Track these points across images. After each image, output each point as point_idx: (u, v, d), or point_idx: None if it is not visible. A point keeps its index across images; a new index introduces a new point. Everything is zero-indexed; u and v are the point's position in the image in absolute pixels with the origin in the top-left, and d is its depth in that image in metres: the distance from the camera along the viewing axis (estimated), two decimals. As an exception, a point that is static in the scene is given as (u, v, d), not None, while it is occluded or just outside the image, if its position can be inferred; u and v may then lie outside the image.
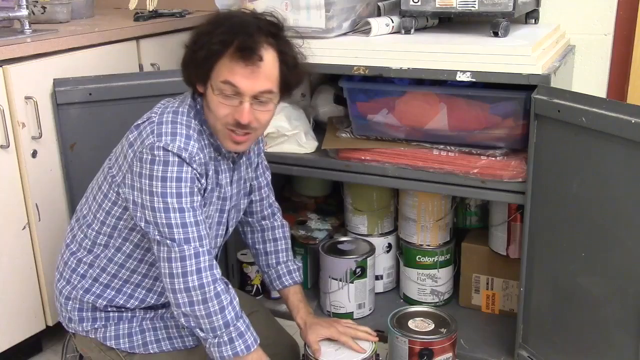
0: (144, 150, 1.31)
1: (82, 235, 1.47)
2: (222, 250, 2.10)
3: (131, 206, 1.35)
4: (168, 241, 1.31)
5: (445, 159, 1.81)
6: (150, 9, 2.41)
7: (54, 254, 1.53)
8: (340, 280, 2.02)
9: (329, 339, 1.56)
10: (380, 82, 1.82)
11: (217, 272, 1.35)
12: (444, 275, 2.09)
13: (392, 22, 1.89)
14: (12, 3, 2.06)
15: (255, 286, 2.22)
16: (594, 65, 2.04)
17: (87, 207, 1.47)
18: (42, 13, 2.24)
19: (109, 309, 1.47)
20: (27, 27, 2.02)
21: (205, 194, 1.40)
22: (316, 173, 1.98)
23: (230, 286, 1.38)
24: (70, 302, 1.47)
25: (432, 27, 2.00)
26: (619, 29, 1.98)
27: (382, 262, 2.16)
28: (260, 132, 1.42)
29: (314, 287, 2.22)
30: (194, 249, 1.31)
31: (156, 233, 1.32)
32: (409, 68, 1.73)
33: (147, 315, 1.49)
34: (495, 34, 1.75)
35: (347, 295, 2.04)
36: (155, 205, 1.30)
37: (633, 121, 1.36)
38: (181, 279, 1.31)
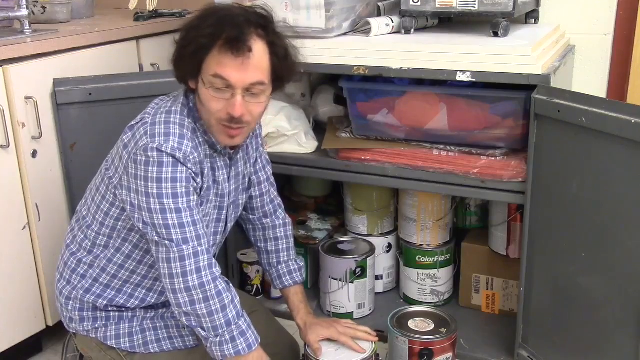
0: (138, 151, 1.31)
1: (82, 236, 1.47)
2: (222, 249, 2.11)
3: (129, 208, 1.35)
4: (166, 242, 1.31)
5: (445, 159, 1.81)
6: (150, 9, 2.41)
7: (54, 254, 1.53)
8: (340, 280, 2.02)
9: (329, 339, 1.56)
10: (380, 82, 1.82)
11: (217, 270, 1.35)
12: (444, 275, 2.09)
13: (392, 22, 1.89)
14: (12, 3, 2.06)
15: (255, 286, 2.22)
16: (594, 65, 2.04)
17: (87, 208, 1.48)
18: (42, 13, 2.24)
19: (110, 309, 1.47)
20: (27, 27, 2.02)
21: (202, 193, 1.40)
22: (316, 173, 1.98)
23: (231, 285, 1.38)
24: (71, 302, 1.47)
25: (432, 27, 2.00)
26: (619, 29, 1.98)
27: (382, 262, 2.16)
28: (253, 125, 1.41)
29: (314, 287, 2.22)
30: (192, 249, 1.31)
31: (154, 234, 1.32)
32: (409, 68, 1.73)
33: (148, 315, 1.49)
34: (495, 34, 1.75)
35: (347, 295, 2.04)
36: (152, 206, 1.30)
37: (633, 121, 1.36)
38: (181, 279, 1.31)
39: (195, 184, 1.35)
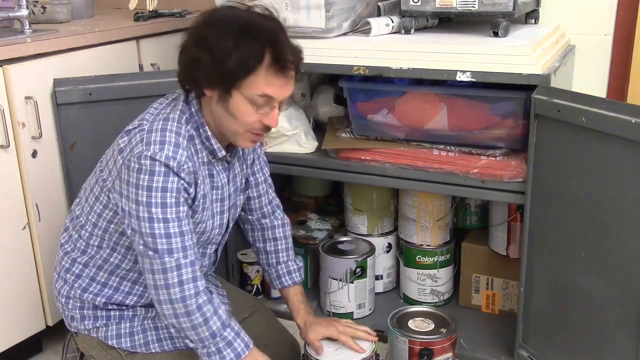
0: (132, 158, 1.30)
1: (76, 236, 1.47)
2: (222, 250, 2.10)
3: (120, 212, 1.36)
4: (150, 252, 1.31)
5: (445, 159, 1.81)
6: (150, 9, 2.41)
7: (54, 254, 1.53)
8: (340, 280, 2.02)
9: (329, 339, 1.56)
10: (380, 82, 1.82)
11: (201, 283, 1.34)
12: (444, 275, 2.09)
13: (392, 22, 1.89)
14: (12, 3, 2.06)
15: (255, 286, 2.22)
16: (594, 65, 2.04)
17: (80, 208, 1.47)
18: (42, 13, 2.24)
19: (110, 307, 1.47)
20: (27, 27, 2.02)
21: (196, 202, 1.39)
22: (316, 173, 1.98)
23: (214, 295, 1.37)
24: (71, 300, 1.47)
25: (432, 27, 2.00)
26: (619, 29, 1.98)
27: (382, 262, 2.16)
28: None
29: (314, 287, 2.22)
30: (176, 261, 1.31)
31: (141, 242, 1.31)
32: (409, 68, 1.73)
33: (149, 315, 1.49)
34: (495, 34, 1.75)
35: (347, 295, 2.04)
36: (140, 214, 1.30)
37: (633, 121, 1.36)
38: (164, 291, 1.31)
39: (187, 195, 1.34)
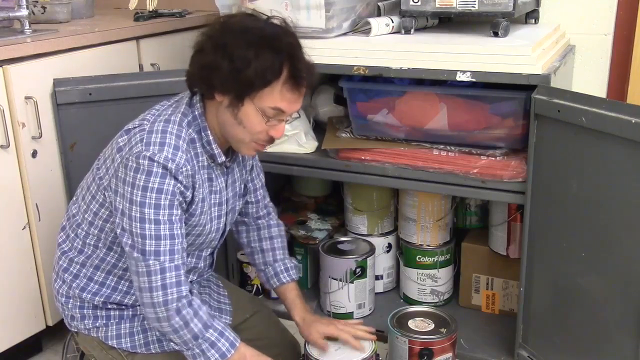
0: (130, 157, 1.30)
1: (72, 235, 1.47)
2: (222, 250, 2.11)
3: (113, 211, 1.36)
4: (136, 254, 1.31)
5: (445, 159, 1.81)
6: (150, 9, 2.41)
7: (54, 254, 1.53)
8: (340, 280, 2.02)
9: (329, 338, 1.56)
10: (380, 82, 1.82)
11: (185, 288, 1.33)
12: (444, 275, 2.09)
13: (392, 22, 1.89)
14: (12, 3, 2.06)
15: (255, 286, 2.22)
16: (594, 65, 2.04)
17: (77, 206, 1.47)
18: (42, 13, 2.24)
19: (109, 307, 1.47)
20: (27, 27, 2.02)
21: (194, 206, 1.38)
22: (316, 173, 1.98)
23: (194, 297, 1.35)
24: (71, 300, 1.47)
25: (432, 27, 2.00)
26: (619, 29, 1.98)
27: (382, 262, 2.16)
28: None
29: (314, 287, 2.22)
30: (161, 264, 1.30)
31: (129, 242, 1.31)
32: (409, 68, 1.73)
33: (149, 315, 1.49)
34: (495, 34, 1.75)
35: (347, 295, 2.04)
36: (133, 213, 1.30)
37: (633, 121, 1.36)
38: (147, 294, 1.31)
39: (182, 198, 1.34)
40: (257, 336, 1.61)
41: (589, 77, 2.04)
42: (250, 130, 1.34)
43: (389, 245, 2.17)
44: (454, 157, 1.80)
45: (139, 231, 1.30)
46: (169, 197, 1.30)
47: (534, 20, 2.02)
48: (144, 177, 1.29)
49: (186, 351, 1.36)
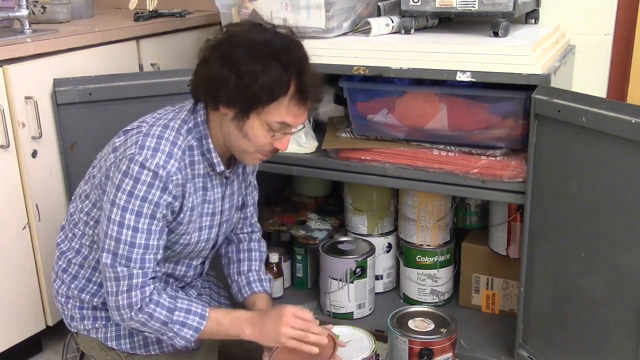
0: (123, 158, 1.30)
1: (70, 235, 1.47)
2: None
3: (100, 210, 1.36)
4: (105, 258, 1.30)
5: (445, 159, 1.81)
6: (150, 9, 2.41)
7: (54, 253, 1.53)
8: (340, 280, 2.02)
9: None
10: (380, 82, 1.82)
11: (149, 288, 1.33)
12: (444, 275, 2.09)
13: (392, 22, 1.89)
14: (12, 3, 2.06)
15: (255, 286, 2.22)
16: (594, 65, 2.04)
17: (74, 206, 1.47)
18: (42, 13, 2.24)
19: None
20: (27, 27, 2.02)
21: (182, 215, 1.37)
22: (316, 173, 1.98)
23: (154, 292, 1.34)
24: (71, 300, 1.48)
25: (432, 27, 2.00)
26: (619, 29, 1.98)
27: (382, 262, 2.16)
28: None
29: (314, 287, 2.22)
30: (129, 270, 1.30)
31: (104, 246, 1.31)
32: (409, 68, 1.73)
33: (148, 316, 1.49)
34: (495, 34, 1.75)
35: (347, 295, 2.04)
36: (112, 216, 1.30)
37: (633, 121, 1.36)
38: (113, 297, 1.32)
39: (166, 211, 1.32)
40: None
41: (589, 77, 2.04)
42: (255, 142, 1.33)
43: (389, 245, 2.17)
44: (454, 157, 1.80)
45: (114, 234, 1.30)
46: (152, 207, 1.29)
47: (534, 20, 2.02)
48: (131, 182, 1.28)
49: (162, 336, 1.37)
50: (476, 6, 1.75)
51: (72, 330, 1.52)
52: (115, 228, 1.29)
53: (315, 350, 1.37)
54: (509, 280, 2.02)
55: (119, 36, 2.10)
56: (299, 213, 2.33)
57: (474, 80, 1.67)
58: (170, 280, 1.49)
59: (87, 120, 1.91)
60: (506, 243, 1.98)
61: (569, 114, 1.50)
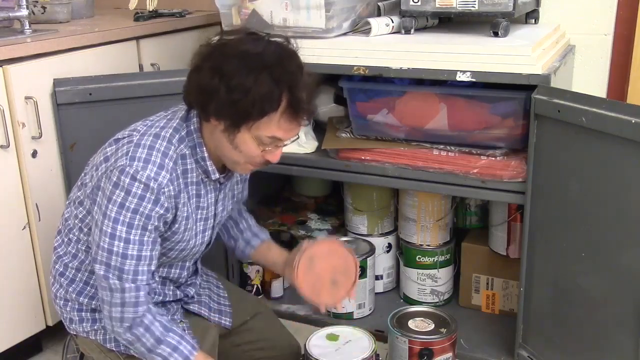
0: (114, 170, 1.28)
1: (66, 240, 1.47)
2: (222, 250, 2.11)
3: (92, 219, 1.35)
4: (98, 265, 1.30)
5: (445, 159, 1.81)
6: (150, 9, 2.41)
7: (51, 256, 1.53)
8: (340, 280, 2.02)
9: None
10: (380, 82, 1.82)
11: (142, 308, 1.32)
12: (444, 275, 2.09)
13: (392, 22, 1.89)
14: (12, 3, 2.06)
15: (255, 286, 2.22)
16: (594, 65, 2.04)
17: (69, 210, 1.46)
18: (42, 13, 2.24)
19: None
20: (27, 27, 2.02)
21: (177, 225, 1.36)
22: (316, 173, 1.98)
23: (147, 314, 1.34)
24: (69, 303, 1.47)
25: (432, 27, 2.00)
26: (619, 29, 1.98)
27: (382, 262, 2.16)
28: None
29: (314, 287, 2.21)
30: (121, 283, 1.30)
31: (97, 257, 1.31)
32: (409, 68, 1.73)
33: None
34: (495, 34, 1.75)
35: (347, 295, 2.04)
36: (104, 227, 1.29)
37: (633, 121, 1.36)
38: (107, 307, 1.32)
39: (158, 223, 1.31)
40: (258, 338, 1.61)
41: (589, 77, 2.04)
42: (246, 154, 1.32)
43: (389, 245, 2.17)
44: (454, 157, 1.80)
45: (106, 246, 1.29)
46: (143, 219, 1.28)
47: (534, 20, 2.02)
48: (122, 194, 1.27)
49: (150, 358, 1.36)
50: (476, 6, 1.75)
51: (72, 332, 1.51)
52: (107, 240, 1.28)
53: None
54: (509, 280, 2.02)
55: (119, 36, 2.10)
56: (299, 213, 2.33)
57: (474, 80, 1.67)
58: (167, 282, 1.49)
59: (87, 120, 1.91)
60: (506, 243, 1.98)
61: (569, 114, 1.50)
